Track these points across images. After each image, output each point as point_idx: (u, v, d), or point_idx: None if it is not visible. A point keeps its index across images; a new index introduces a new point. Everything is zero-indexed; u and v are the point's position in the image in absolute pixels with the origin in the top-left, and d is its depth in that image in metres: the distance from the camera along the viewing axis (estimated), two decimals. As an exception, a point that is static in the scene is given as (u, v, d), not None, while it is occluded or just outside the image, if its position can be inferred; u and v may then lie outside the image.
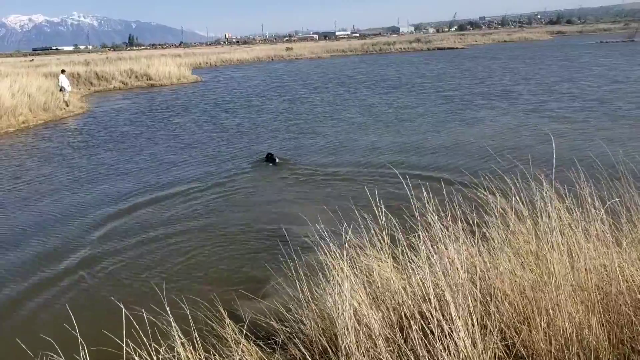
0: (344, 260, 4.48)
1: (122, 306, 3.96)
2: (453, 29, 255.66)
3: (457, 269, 4.29)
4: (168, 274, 7.57)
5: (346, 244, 4.64)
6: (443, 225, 4.82)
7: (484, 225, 5.13)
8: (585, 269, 4.17)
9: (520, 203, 5.29)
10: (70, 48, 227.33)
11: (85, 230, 9.58)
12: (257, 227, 9.21)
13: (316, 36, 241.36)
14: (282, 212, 9.86)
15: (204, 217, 10.10)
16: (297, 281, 5.04)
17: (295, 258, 5.54)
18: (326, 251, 4.81)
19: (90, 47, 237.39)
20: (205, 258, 8.08)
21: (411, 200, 4.90)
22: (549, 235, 4.56)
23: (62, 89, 28.24)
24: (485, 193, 5.51)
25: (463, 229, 4.84)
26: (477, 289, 3.99)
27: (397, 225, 4.94)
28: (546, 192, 5.04)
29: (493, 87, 28.29)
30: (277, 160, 13.77)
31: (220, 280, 7.35)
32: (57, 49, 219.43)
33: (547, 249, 4.50)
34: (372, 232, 5.02)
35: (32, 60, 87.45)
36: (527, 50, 67.79)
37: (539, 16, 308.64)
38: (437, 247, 4.53)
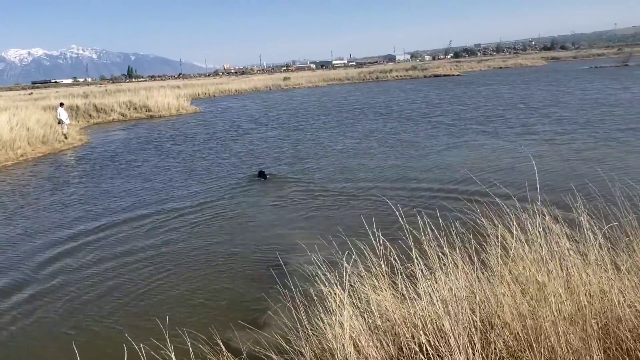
0: (344, 289, 4.45)
1: (122, 337, 3.92)
2: (449, 56, 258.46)
3: (457, 297, 4.26)
4: (166, 303, 7.51)
5: (346, 276, 4.62)
6: (441, 252, 4.81)
7: (482, 251, 5.12)
8: (585, 295, 4.15)
9: (518, 229, 5.29)
10: (69, 81, 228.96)
11: (65, 259, 9.53)
12: (253, 249, 9.19)
13: (313, 65, 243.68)
14: (277, 234, 9.88)
15: (199, 241, 10.20)
16: (295, 311, 4.99)
17: (292, 287, 5.50)
18: (324, 281, 4.78)
19: (89, 79, 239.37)
20: (201, 285, 8.03)
21: (406, 227, 4.90)
22: (548, 262, 4.54)
23: (60, 122, 28.40)
24: (482, 219, 5.50)
25: (462, 256, 4.83)
26: (477, 317, 3.96)
27: (395, 253, 4.92)
28: (543, 217, 5.04)
29: (488, 112, 28.47)
30: (267, 176, 15.78)
31: (218, 308, 7.31)
32: (56, 82, 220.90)
33: (546, 275, 4.48)
34: (370, 260, 5.00)
35: (31, 93, 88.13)
36: (523, 75, 68.46)
37: (533, 42, 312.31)
38: (436, 275, 4.51)
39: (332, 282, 4.63)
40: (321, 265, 5.05)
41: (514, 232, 5.20)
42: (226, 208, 12.82)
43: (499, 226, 5.38)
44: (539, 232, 5.06)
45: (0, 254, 10.42)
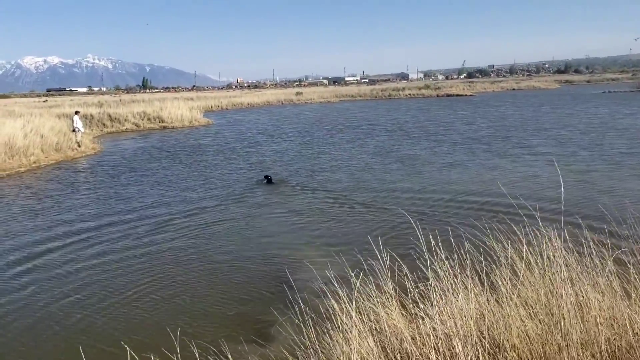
0: (353, 306, 4.46)
1: (128, 349, 3.95)
2: (462, 76, 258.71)
3: (466, 318, 4.27)
4: (174, 312, 7.55)
5: (354, 292, 4.63)
6: (452, 272, 4.83)
7: (492, 272, 5.13)
8: (595, 321, 4.14)
9: (528, 251, 5.29)
10: (84, 89, 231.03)
11: (75, 267, 9.59)
12: (261, 260, 9.22)
13: (325, 81, 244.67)
14: (285, 245, 9.90)
15: (207, 250, 10.36)
16: (303, 326, 5.01)
17: (301, 301, 5.52)
18: (333, 296, 4.80)
19: (104, 89, 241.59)
20: (209, 295, 8.06)
21: (418, 244, 4.92)
22: (558, 286, 4.54)
23: (75, 130, 28.68)
24: (492, 241, 5.51)
25: (471, 277, 4.84)
26: (485, 339, 3.97)
27: (405, 271, 4.94)
28: (554, 240, 5.04)
29: (503, 132, 28.44)
30: (274, 182, 17.08)
31: (226, 320, 7.34)
32: (71, 90, 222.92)
33: (555, 300, 4.47)
34: (380, 277, 5.02)
35: (46, 100, 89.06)
36: (535, 97, 68.39)
37: (546, 65, 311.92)
38: (447, 295, 4.52)
39: (342, 298, 4.65)
40: (331, 280, 5.07)
41: (524, 254, 5.21)
42: (236, 215, 12.98)
43: (509, 248, 5.39)
44: (548, 255, 5.06)
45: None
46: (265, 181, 17.13)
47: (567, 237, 5.21)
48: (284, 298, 6.80)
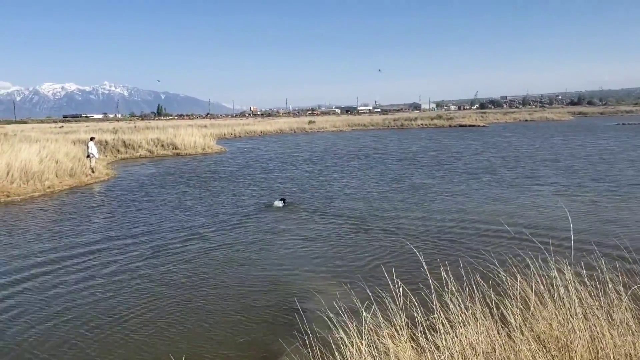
0: (362, 339, 4.40)
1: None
2: (475, 106, 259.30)
3: (477, 352, 4.19)
4: (182, 337, 7.47)
5: (365, 326, 4.56)
6: (462, 305, 4.75)
7: (503, 305, 5.04)
8: (609, 358, 4.04)
9: (540, 284, 5.21)
10: (100, 116, 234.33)
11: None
12: (270, 287, 9.14)
13: (338, 110, 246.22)
14: (294, 273, 9.81)
15: (216, 274, 10.35)
16: (311, 358, 4.93)
17: (309, 331, 5.44)
18: (342, 328, 4.73)
19: (119, 115, 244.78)
20: (218, 321, 7.98)
21: (427, 276, 4.86)
22: (571, 321, 4.45)
23: (89, 156, 28.99)
24: (504, 273, 5.44)
25: (482, 309, 4.76)
26: (496, 374, 3.88)
27: (415, 302, 4.87)
28: (567, 273, 4.96)
29: (515, 163, 28.33)
30: (286, 202, 18.05)
31: (233, 347, 7.26)
32: (87, 116, 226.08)
33: (568, 335, 4.38)
34: (390, 309, 4.95)
35: (62, 126, 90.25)
36: (549, 129, 68.28)
37: (559, 97, 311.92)
38: (457, 328, 4.44)
39: (351, 330, 4.58)
40: (340, 311, 5.01)
41: (534, 286, 5.12)
42: (247, 240, 13.01)
43: (522, 280, 5.31)
44: (561, 288, 4.98)
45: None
46: (281, 204, 17.83)
47: (580, 270, 5.13)
48: (292, 328, 6.74)
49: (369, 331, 4.68)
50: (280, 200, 18.29)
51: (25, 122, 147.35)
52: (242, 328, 7.95)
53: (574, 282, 4.87)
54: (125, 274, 10.81)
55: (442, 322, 4.42)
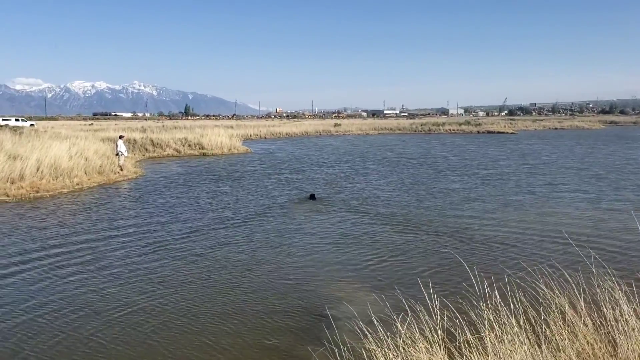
0: (397, 352, 4.20)
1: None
2: (503, 113, 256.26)
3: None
4: (206, 346, 7.36)
5: (400, 339, 4.37)
6: (502, 321, 4.53)
7: (545, 323, 4.81)
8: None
9: (582, 301, 4.97)
10: (129, 114, 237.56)
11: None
12: (298, 294, 8.97)
13: (364, 114, 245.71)
14: (324, 278, 9.63)
15: (246, 276, 10.19)
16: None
17: (340, 342, 5.25)
18: (373, 339, 4.55)
19: (147, 114, 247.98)
20: (245, 328, 7.84)
21: (465, 288, 4.65)
22: (619, 343, 4.20)
23: (118, 154, 29.29)
24: (545, 289, 5.20)
25: (523, 326, 4.53)
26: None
27: (451, 314, 4.67)
28: (614, 291, 4.71)
29: (553, 173, 27.75)
30: (316, 198, 18.78)
31: (261, 351, 7.13)
32: (116, 114, 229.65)
33: (615, 358, 4.14)
34: (424, 321, 4.75)
35: (92, 124, 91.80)
36: (582, 137, 67.06)
37: (590, 105, 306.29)
38: (496, 345, 4.22)
39: (383, 342, 4.39)
40: (371, 320, 4.83)
41: (580, 305, 4.88)
42: (274, 240, 12.85)
43: (563, 297, 5.07)
44: (608, 306, 4.73)
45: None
46: (310, 199, 18.72)
47: (628, 288, 4.87)
48: (320, 335, 6.57)
49: (403, 344, 4.48)
50: (310, 196, 18.95)
51: (55, 119, 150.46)
52: (269, 331, 7.80)
53: (622, 300, 4.62)
54: (143, 272, 10.76)
55: (480, 339, 4.20)
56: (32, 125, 71.96)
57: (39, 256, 12.12)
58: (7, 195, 20.24)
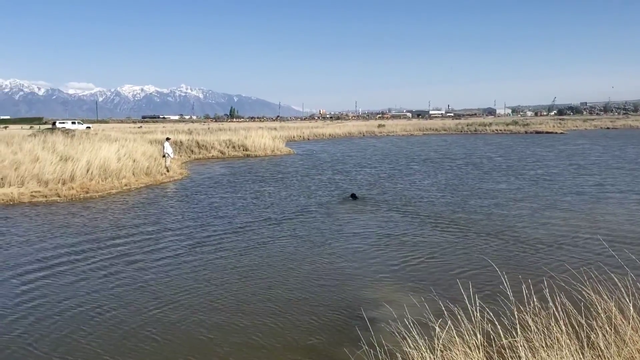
0: (435, 356, 4.14)
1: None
2: (552, 113, 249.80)
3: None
4: (245, 346, 7.42)
5: (439, 342, 4.30)
6: (544, 324, 4.41)
7: (588, 327, 4.65)
8: None
9: (632, 306, 4.79)
10: (176, 117, 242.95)
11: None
12: (335, 296, 8.96)
13: (409, 114, 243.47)
14: (362, 280, 9.58)
15: (286, 274, 10.18)
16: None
17: (376, 344, 5.20)
18: (412, 343, 4.49)
19: (194, 117, 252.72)
20: (283, 327, 7.88)
21: (507, 291, 4.54)
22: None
23: (165, 155, 29.92)
24: (591, 293, 5.03)
25: (567, 332, 4.39)
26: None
27: (490, 317, 4.57)
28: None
29: (603, 171, 26.90)
30: (357, 198, 19.14)
31: (297, 350, 7.14)
32: (163, 117, 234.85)
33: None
34: (463, 325, 4.66)
35: (140, 127, 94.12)
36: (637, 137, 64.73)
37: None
38: (538, 351, 4.11)
39: (421, 347, 4.33)
40: (408, 323, 4.77)
41: (629, 310, 4.71)
42: (315, 239, 12.83)
43: (610, 301, 4.89)
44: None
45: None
46: (351, 198, 19.05)
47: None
48: (357, 336, 6.52)
49: (441, 348, 4.41)
50: (351, 195, 19.24)
51: (106, 122, 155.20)
52: (309, 331, 7.80)
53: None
54: (189, 269, 10.93)
55: (522, 344, 4.09)
56: (88, 127, 74.70)
57: (89, 253, 12.51)
58: (59, 196, 20.95)
